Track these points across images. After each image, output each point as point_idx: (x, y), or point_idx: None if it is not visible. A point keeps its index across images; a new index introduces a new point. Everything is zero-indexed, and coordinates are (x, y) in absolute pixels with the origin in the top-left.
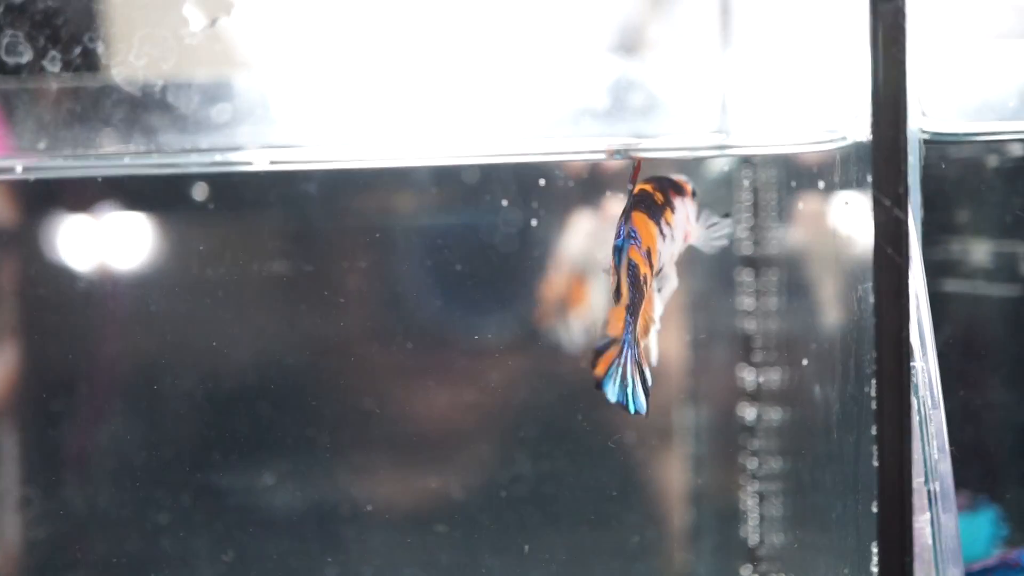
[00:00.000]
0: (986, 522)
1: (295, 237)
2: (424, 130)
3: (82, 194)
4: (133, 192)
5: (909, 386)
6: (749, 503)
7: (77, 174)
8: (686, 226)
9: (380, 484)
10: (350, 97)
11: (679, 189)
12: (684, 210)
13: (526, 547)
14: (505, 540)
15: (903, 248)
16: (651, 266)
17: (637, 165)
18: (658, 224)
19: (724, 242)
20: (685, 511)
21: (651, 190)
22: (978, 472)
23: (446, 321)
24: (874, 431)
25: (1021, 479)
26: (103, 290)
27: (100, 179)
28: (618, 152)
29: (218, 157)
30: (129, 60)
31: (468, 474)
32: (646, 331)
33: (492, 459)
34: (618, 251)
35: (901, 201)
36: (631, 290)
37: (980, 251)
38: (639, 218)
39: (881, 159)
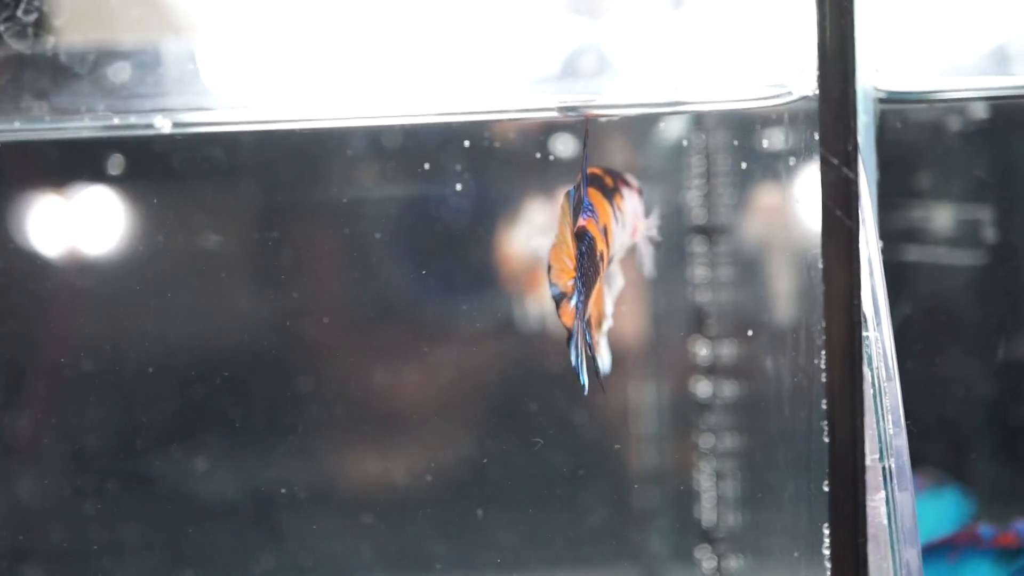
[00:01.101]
0: (952, 499)
1: (229, 207)
2: (370, 91)
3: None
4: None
5: (861, 357)
6: (704, 482)
7: None
8: (635, 220)
9: (327, 466)
10: (285, 59)
11: (627, 182)
12: (632, 202)
13: (476, 530)
14: (454, 523)
15: (853, 210)
16: (607, 246)
17: (587, 122)
18: (611, 204)
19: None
20: (640, 491)
21: (601, 174)
22: (943, 448)
23: (392, 294)
24: (825, 406)
25: (987, 454)
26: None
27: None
28: (570, 109)
29: (115, 120)
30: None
31: (409, 455)
32: (599, 324)
33: (438, 439)
34: (572, 200)
35: (850, 159)
36: (585, 259)
37: (941, 217)
38: (594, 194)
39: (828, 115)
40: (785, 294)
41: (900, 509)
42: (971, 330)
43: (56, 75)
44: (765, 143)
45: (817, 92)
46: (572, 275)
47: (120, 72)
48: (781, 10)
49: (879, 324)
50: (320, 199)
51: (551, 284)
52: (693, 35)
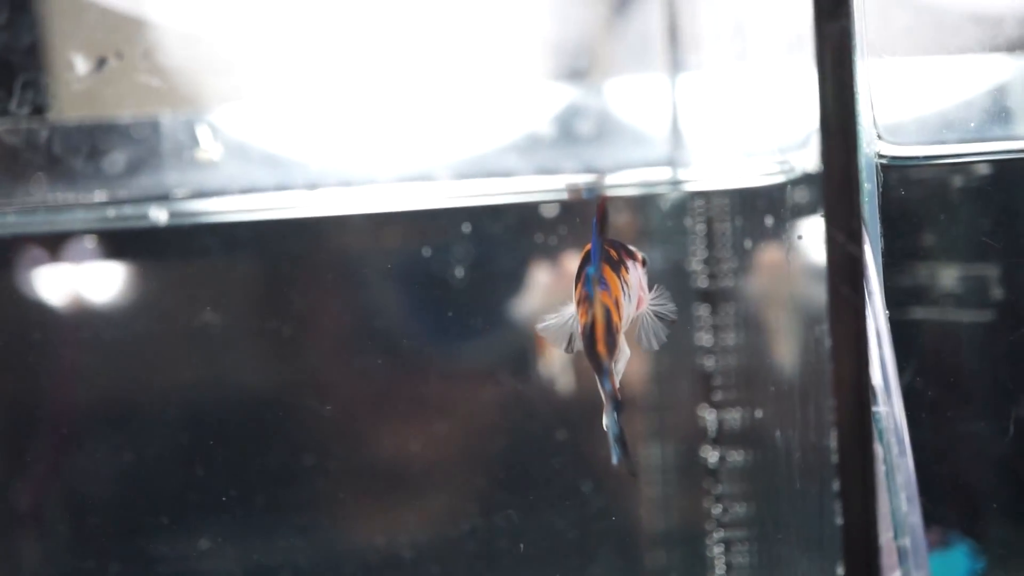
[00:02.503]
0: (961, 557)
1: (237, 284)
2: (360, 165)
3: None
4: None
5: (871, 438)
6: (714, 551)
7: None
8: (639, 292)
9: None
10: (278, 136)
11: (631, 254)
12: (637, 275)
13: None
14: None
15: (859, 286)
16: (620, 319)
17: (602, 203)
18: (619, 277)
19: (672, 318)
20: (648, 558)
21: (606, 246)
22: (952, 506)
23: (392, 376)
24: (837, 487)
25: (996, 511)
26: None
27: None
28: (586, 189)
29: (112, 213)
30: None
31: (414, 522)
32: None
33: (446, 503)
34: (590, 280)
35: (855, 236)
36: (607, 334)
37: (948, 275)
38: (604, 268)
39: (832, 191)
40: (790, 365)
41: None
42: (979, 388)
43: (50, 161)
44: (769, 209)
45: (821, 169)
46: (607, 351)
47: (117, 152)
48: (783, 84)
49: (889, 398)
50: (323, 274)
51: (604, 358)
52: (692, 105)
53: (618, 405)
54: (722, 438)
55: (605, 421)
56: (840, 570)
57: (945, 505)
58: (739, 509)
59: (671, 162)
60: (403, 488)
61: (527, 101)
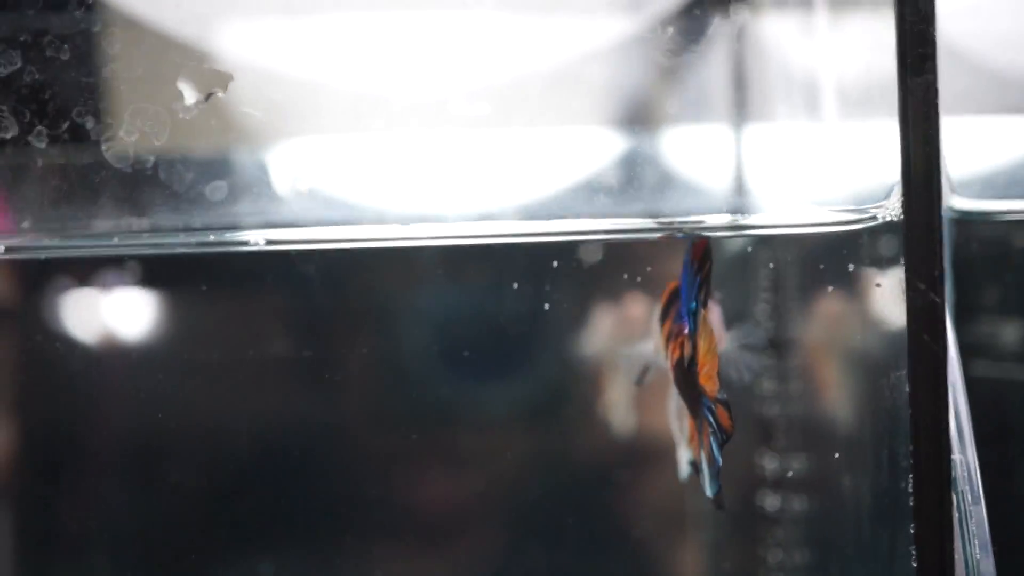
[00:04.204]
0: None
1: (300, 319)
2: (431, 204)
3: (72, 272)
4: (126, 270)
5: (949, 481)
6: None
7: (63, 254)
8: (720, 331)
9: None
10: (353, 173)
11: (710, 294)
12: (716, 314)
13: None
14: None
15: (939, 334)
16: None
17: (703, 243)
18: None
19: (751, 355)
20: None
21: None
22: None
23: (462, 411)
24: (912, 529)
25: None
26: (93, 371)
27: (89, 258)
28: (680, 231)
29: (211, 236)
30: (120, 135)
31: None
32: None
33: (501, 547)
34: (692, 315)
35: (936, 285)
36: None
37: (1012, 332)
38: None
39: (915, 240)
40: (860, 413)
41: None
42: None
43: (156, 189)
44: (841, 263)
45: (901, 217)
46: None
47: (210, 185)
48: (858, 137)
49: (963, 446)
50: (386, 311)
51: (709, 390)
52: (759, 155)
53: (726, 437)
54: (783, 484)
55: (687, 456)
56: None
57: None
58: (798, 557)
59: (735, 210)
60: None
61: (590, 147)
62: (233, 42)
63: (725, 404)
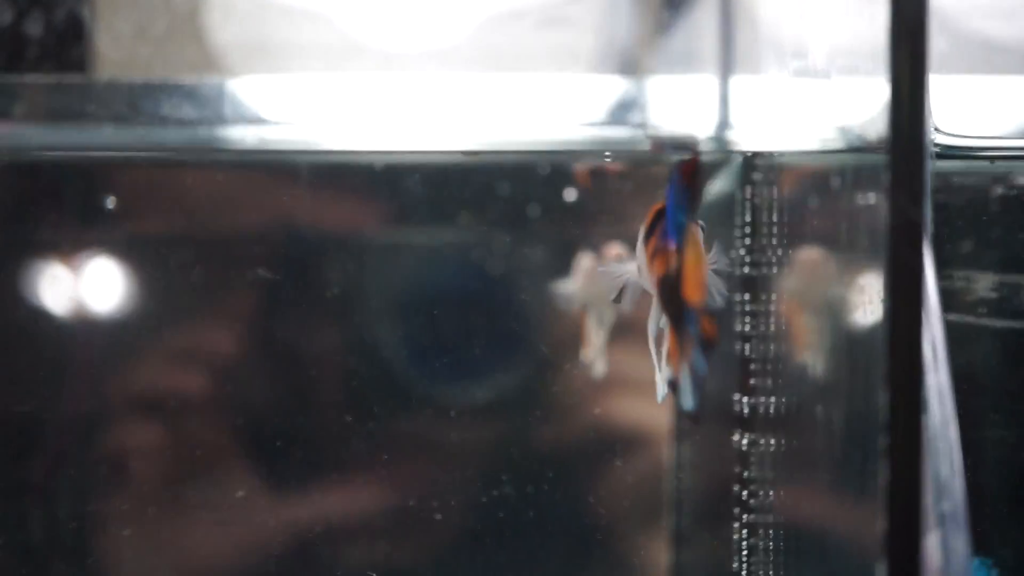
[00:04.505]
0: (976, 570)
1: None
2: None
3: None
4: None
5: (922, 398)
6: (740, 533)
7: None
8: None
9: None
10: (343, 101)
11: (696, 209)
12: (699, 236)
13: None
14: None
15: (918, 250)
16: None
17: (694, 161)
18: None
19: (722, 279)
20: (674, 545)
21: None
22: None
23: (440, 346)
24: (884, 446)
25: (1013, 524)
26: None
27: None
28: (670, 145)
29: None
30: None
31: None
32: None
33: (473, 482)
34: (680, 229)
35: (918, 201)
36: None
37: (983, 282)
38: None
39: (898, 156)
40: (829, 345)
41: (954, 553)
42: (1007, 396)
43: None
44: (821, 193)
45: (887, 136)
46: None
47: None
48: (842, 72)
49: (937, 369)
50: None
51: (693, 301)
52: (745, 103)
53: (712, 347)
54: (756, 422)
55: (666, 376)
56: (883, 524)
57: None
58: (767, 494)
59: (720, 140)
60: None
61: (581, 93)
62: None
63: (711, 314)
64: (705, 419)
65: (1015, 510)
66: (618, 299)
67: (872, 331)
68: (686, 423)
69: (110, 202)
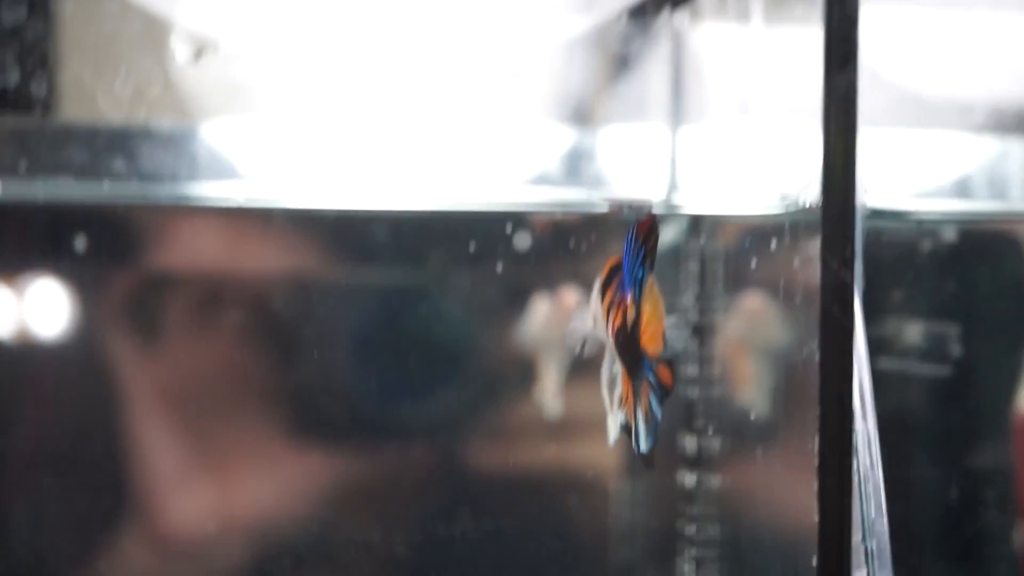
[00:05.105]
0: None
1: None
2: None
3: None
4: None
5: (851, 445)
6: (687, 568)
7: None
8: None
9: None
10: (310, 152)
11: (653, 264)
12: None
13: None
14: None
15: (849, 309)
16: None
17: (650, 218)
18: None
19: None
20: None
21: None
22: (899, 548)
23: (398, 394)
24: (816, 487)
25: (937, 555)
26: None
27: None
28: (627, 206)
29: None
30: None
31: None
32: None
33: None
34: (638, 283)
35: (848, 263)
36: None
37: (912, 331)
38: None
39: (830, 223)
40: (768, 390)
41: None
42: (929, 437)
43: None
44: (764, 250)
45: (820, 203)
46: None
47: (152, 153)
48: (783, 137)
49: (865, 417)
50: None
51: (651, 351)
52: (694, 153)
53: (667, 393)
54: (701, 462)
55: (619, 421)
56: (814, 562)
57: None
58: (711, 530)
59: (669, 203)
60: None
61: (535, 142)
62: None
63: (668, 363)
64: (657, 461)
65: (937, 541)
66: (581, 350)
67: (803, 378)
68: (636, 463)
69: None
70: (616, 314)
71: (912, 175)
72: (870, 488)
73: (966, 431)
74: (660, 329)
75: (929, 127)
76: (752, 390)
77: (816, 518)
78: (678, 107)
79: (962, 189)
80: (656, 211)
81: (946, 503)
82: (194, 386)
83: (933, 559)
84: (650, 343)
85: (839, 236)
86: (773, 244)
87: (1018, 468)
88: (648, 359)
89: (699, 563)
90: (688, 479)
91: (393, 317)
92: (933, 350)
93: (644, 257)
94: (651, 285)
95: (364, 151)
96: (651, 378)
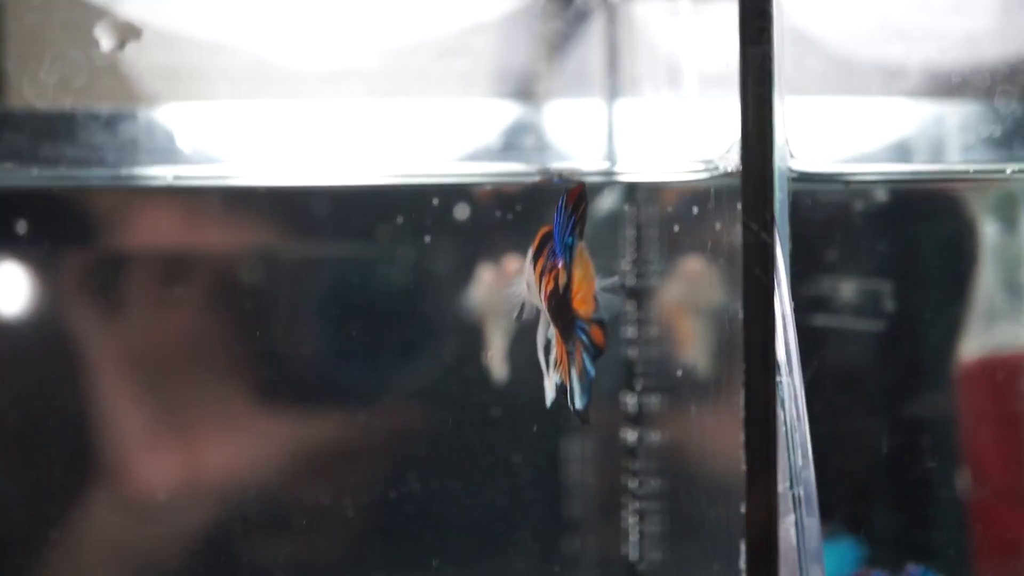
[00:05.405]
0: (846, 548)
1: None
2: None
3: None
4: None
5: (775, 397)
6: (630, 521)
7: None
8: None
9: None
10: (254, 126)
11: (583, 231)
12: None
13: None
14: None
15: (769, 269)
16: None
17: (580, 187)
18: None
19: (616, 302)
20: (571, 532)
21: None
22: (840, 500)
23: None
24: (743, 439)
25: (881, 505)
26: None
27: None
28: (558, 176)
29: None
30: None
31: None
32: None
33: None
34: (568, 249)
35: (767, 226)
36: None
37: (846, 287)
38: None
39: (750, 187)
40: (704, 349)
41: (808, 532)
42: (866, 389)
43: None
44: (694, 214)
45: (740, 168)
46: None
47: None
48: (710, 107)
49: (791, 371)
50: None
51: (583, 313)
52: (628, 125)
53: (599, 352)
54: (641, 419)
55: (555, 382)
56: (743, 509)
57: (832, 499)
58: (653, 484)
59: (607, 172)
60: None
61: (473, 117)
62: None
63: (599, 323)
64: (593, 418)
65: (878, 492)
66: (518, 316)
67: (730, 336)
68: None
69: (21, 227)
70: (548, 280)
71: (847, 139)
72: (796, 438)
73: (905, 383)
74: (591, 292)
75: (862, 92)
76: (693, 349)
77: (743, 467)
78: (613, 81)
79: (899, 152)
80: (590, 180)
81: (889, 453)
82: (157, 355)
83: (879, 508)
84: (581, 305)
85: (758, 200)
86: (698, 209)
87: (963, 415)
88: (581, 321)
89: (642, 515)
90: (630, 436)
91: (343, 288)
92: (868, 306)
93: (574, 225)
94: (581, 250)
95: (308, 129)
96: (584, 339)
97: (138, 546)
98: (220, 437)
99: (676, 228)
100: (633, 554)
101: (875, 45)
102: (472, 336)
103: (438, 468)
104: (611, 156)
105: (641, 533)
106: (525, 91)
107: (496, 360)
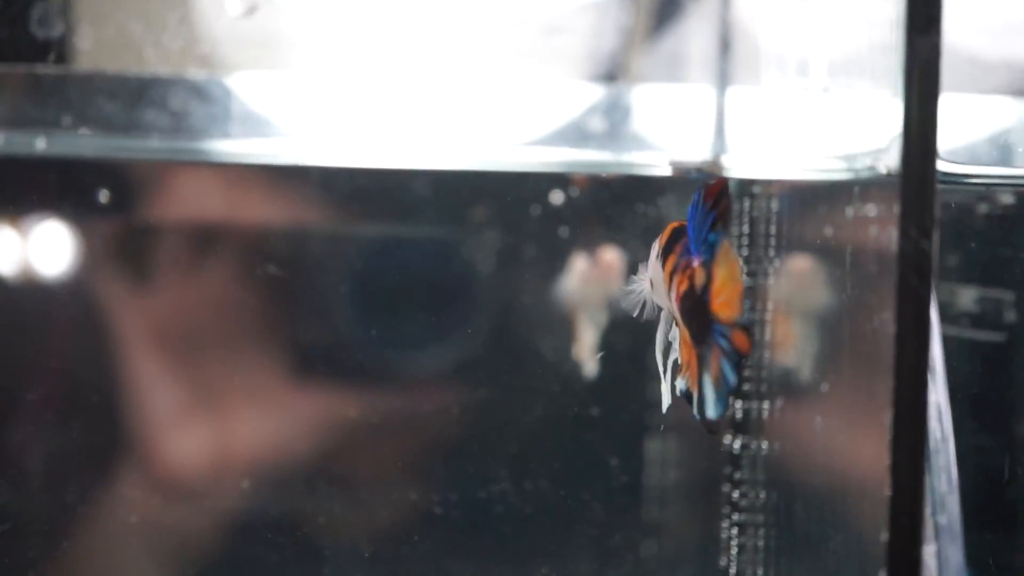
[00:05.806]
0: None
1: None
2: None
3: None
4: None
5: (926, 416)
6: (731, 532)
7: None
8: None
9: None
10: (342, 104)
11: (726, 227)
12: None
13: None
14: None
15: (927, 279)
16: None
17: (721, 182)
18: None
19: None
20: (663, 538)
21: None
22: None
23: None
24: (888, 461)
25: (998, 531)
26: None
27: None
28: (694, 169)
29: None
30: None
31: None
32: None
33: (464, 484)
34: (709, 247)
35: (927, 232)
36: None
37: (965, 295)
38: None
39: (910, 191)
40: (841, 356)
41: (949, 563)
42: (990, 404)
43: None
44: (815, 213)
45: (899, 170)
46: (738, 310)
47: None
48: (849, 94)
49: (936, 388)
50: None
51: (725, 316)
52: (745, 115)
53: (742, 359)
54: (748, 427)
55: (679, 386)
56: (885, 535)
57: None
58: (763, 495)
59: (716, 164)
60: None
61: (579, 99)
62: None
63: (744, 327)
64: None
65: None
66: (640, 314)
67: (871, 348)
68: (683, 426)
69: (102, 196)
70: (681, 279)
71: (966, 139)
72: (941, 461)
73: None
74: (736, 294)
75: (985, 90)
76: (798, 353)
77: (887, 492)
78: (726, 67)
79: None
80: (725, 173)
81: (1011, 473)
82: (191, 329)
83: (987, 530)
84: (723, 308)
85: (919, 205)
86: (838, 209)
87: None
88: (720, 325)
89: (742, 527)
90: (734, 443)
91: (429, 270)
92: (988, 316)
93: (715, 221)
94: (726, 249)
95: (404, 110)
96: (723, 344)
97: (167, 523)
98: (256, 411)
99: (802, 227)
100: (732, 567)
101: (997, 41)
102: (564, 328)
103: (520, 463)
104: (722, 147)
105: (741, 547)
106: (629, 75)
107: (585, 353)
